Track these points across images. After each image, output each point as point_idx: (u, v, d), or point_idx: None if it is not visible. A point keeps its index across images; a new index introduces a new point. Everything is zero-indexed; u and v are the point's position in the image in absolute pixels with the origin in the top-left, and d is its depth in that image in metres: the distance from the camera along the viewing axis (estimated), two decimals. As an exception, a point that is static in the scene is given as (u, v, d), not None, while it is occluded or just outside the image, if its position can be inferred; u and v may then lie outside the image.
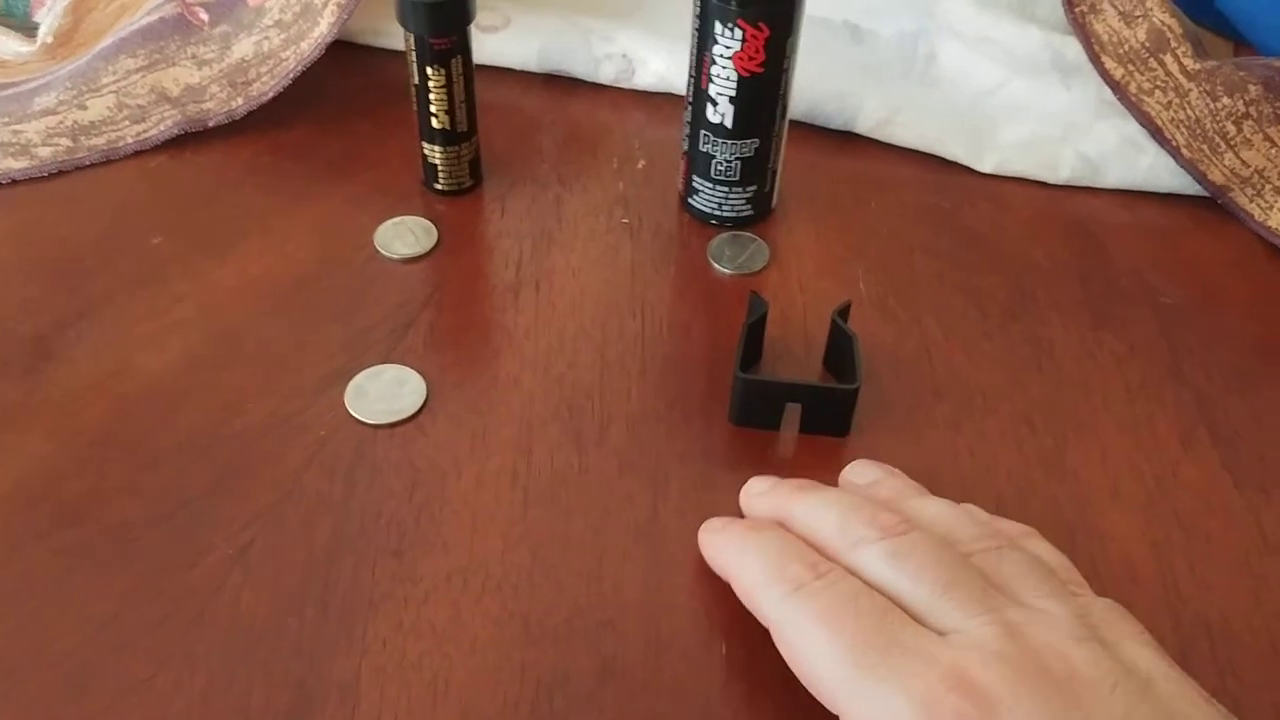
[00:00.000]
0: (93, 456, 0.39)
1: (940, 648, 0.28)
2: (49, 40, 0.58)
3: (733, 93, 0.45)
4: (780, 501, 0.35)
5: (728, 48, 0.44)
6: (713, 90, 0.45)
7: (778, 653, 0.34)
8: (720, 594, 0.35)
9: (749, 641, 0.34)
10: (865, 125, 0.54)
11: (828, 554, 0.32)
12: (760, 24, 0.43)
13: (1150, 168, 0.52)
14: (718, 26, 0.44)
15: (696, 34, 0.45)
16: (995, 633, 0.28)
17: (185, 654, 0.33)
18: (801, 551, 0.32)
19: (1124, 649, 0.29)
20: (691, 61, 0.46)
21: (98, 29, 0.59)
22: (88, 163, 0.52)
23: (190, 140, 0.53)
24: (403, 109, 0.50)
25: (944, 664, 0.28)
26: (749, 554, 0.33)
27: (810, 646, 0.30)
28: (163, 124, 0.53)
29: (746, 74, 0.44)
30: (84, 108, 0.53)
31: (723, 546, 0.35)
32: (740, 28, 0.43)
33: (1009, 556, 0.32)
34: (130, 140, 0.53)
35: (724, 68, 0.44)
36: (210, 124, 0.53)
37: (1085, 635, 0.29)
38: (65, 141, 0.52)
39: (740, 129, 0.46)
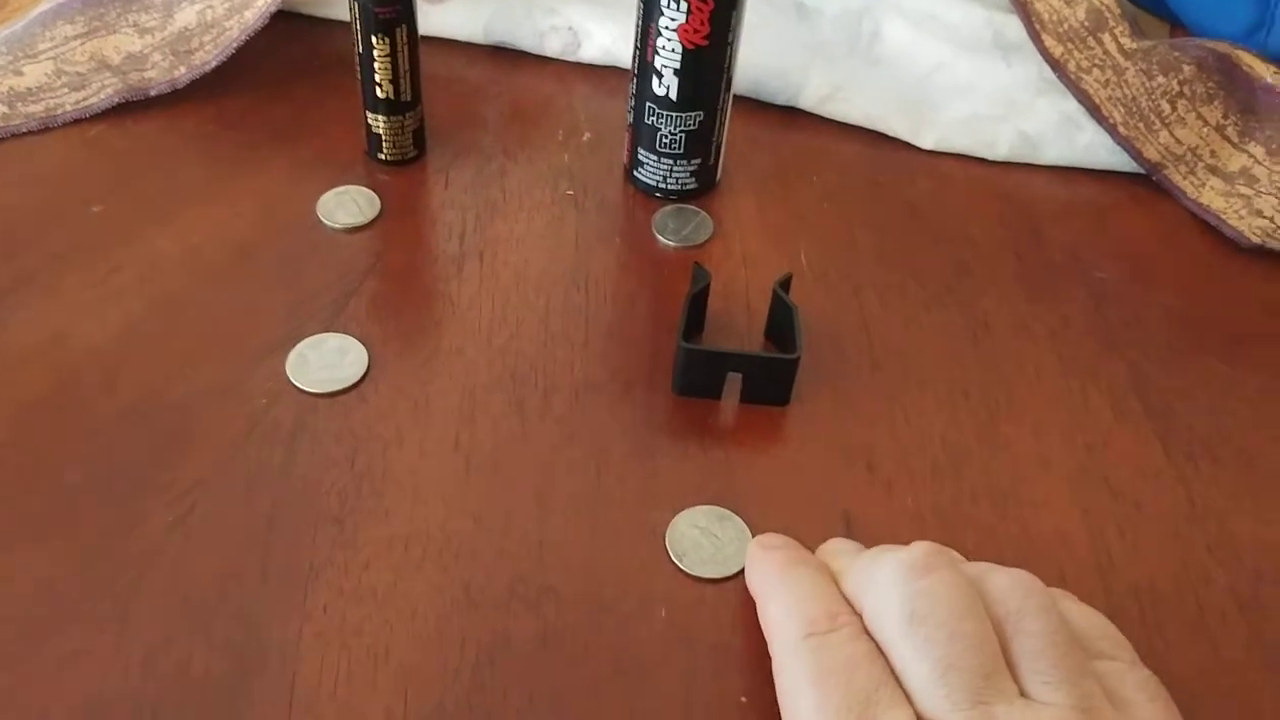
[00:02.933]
0: (32, 425, 0.39)
1: None
2: (-16, 5, 0.57)
3: (677, 65, 0.45)
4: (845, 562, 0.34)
5: (672, 20, 0.44)
6: (658, 62, 0.46)
7: (714, 618, 0.34)
8: (660, 560, 0.36)
9: (687, 605, 0.35)
10: (809, 101, 0.55)
11: (850, 598, 0.32)
12: (704, -4, 0.43)
13: (1088, 145, 0.53)
14: (662, -2, 0.44)
15: (642, 5, 0.45)
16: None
17: (125, 618, 0.33)
18: (827, 599, 0.32)
19: None
20: (637, 33, 0.46)
21: (34, -6, 0.58)
22: (25, 130, 0.51)
23: (131, 109, 0.53)
24: (347, 79, 0.50)
25: None
26: (783, 585, 0.33)
27: (797, 701, 0.30)
28: (103, 92, 0.52)
29: (691, 46, 0.45)
30: (20, 74, 0.52)
31: (765, 571, 0.34)
32: (685, 0, 0.43)
33: (1034, 627, 0.30)
34: (69, 108, 0.52)
35: (669, 40, 0.45)
36: (152, 93, 0.53)
37: None
38: (1, 108, 0.51)
39: (685, 101, 0.46)
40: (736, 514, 0.37)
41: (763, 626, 0.33)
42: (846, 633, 0.31)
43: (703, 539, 0.36)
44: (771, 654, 0.32)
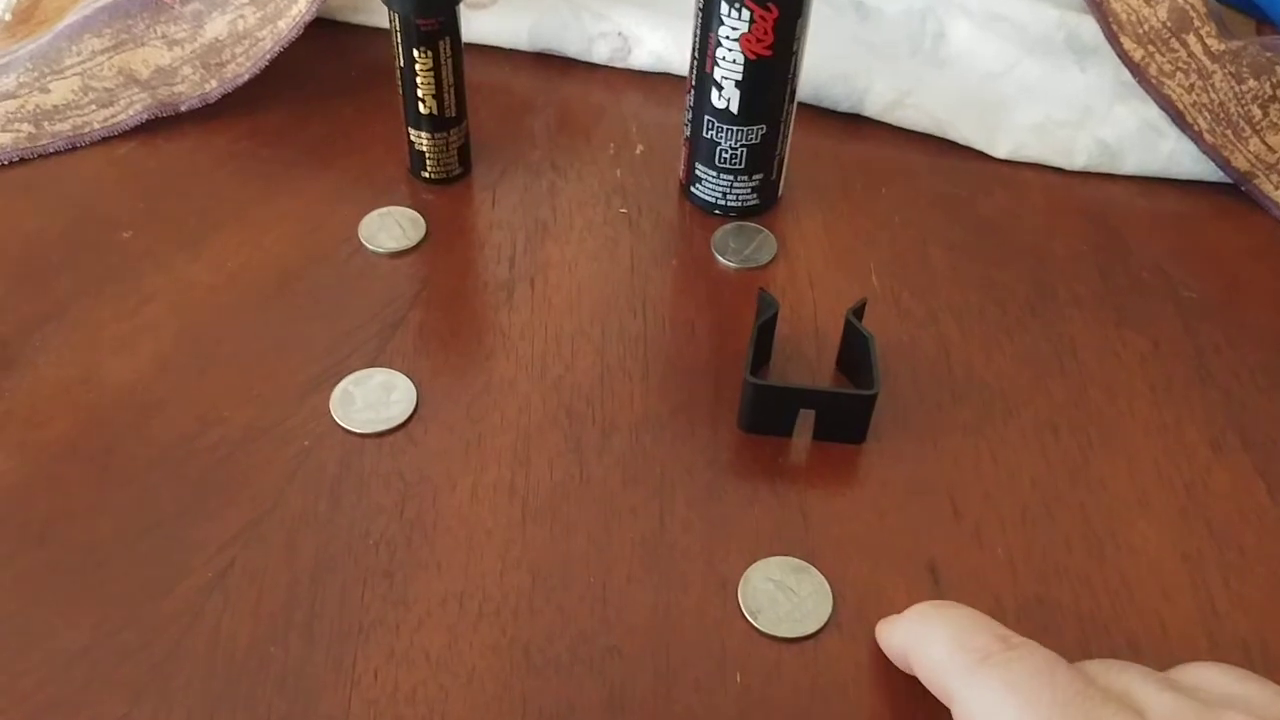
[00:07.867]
0: (59, 472, 0.37)
1: None
2: (7, 18, 0.56)
3: (739, 77, 0.43)
4: None
5: (734, 29, 0.41)
6: (718, 74, 0.43)
7: (794, 683, 0.32)
8: (732, 618, 0.33)
9: (764, 669, 0.32)
10: (874, 108, 0.52)
11: None
12: (769, 4, 0.41)
13: (1171, 154, 0.50)
14: (724, 6, 0.41)
15: (700, 14, 0.43)
16: (1193, 708, 0.27)
17: (162, 688, 0.32)
18: (990, 624, 0.30)
19: None
20: (695, 43, 0.44)
21: (59, 6, 0.57)
22: (51, 150, 0.49)
23: (161, 126, 0.51)
24: (387, 92, 0.48)
25: None
26: (934, 626, 0.31)
27: (1001, 718, 0.28)
28: (132, 108, 0.50)
29: (754, 57, 0.42)
30: (46, 91, 0.50)
31: (904, 626, 0.32)
32: (748, 8, 0.41)
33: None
34: (97, 126, 0.50)
35: (730, 50, 0.42)
36: (182, 108, 0.51)
37: None
38: (27, 127, 0.49)
39: (747, 115, 0.44)
40: (813, 565, 0.35)
41: (925, 675, 0.30)
42: (1028, 648, 0.29)
43: (778, 593, 0.34)
44: (946, 694, 0.29)
